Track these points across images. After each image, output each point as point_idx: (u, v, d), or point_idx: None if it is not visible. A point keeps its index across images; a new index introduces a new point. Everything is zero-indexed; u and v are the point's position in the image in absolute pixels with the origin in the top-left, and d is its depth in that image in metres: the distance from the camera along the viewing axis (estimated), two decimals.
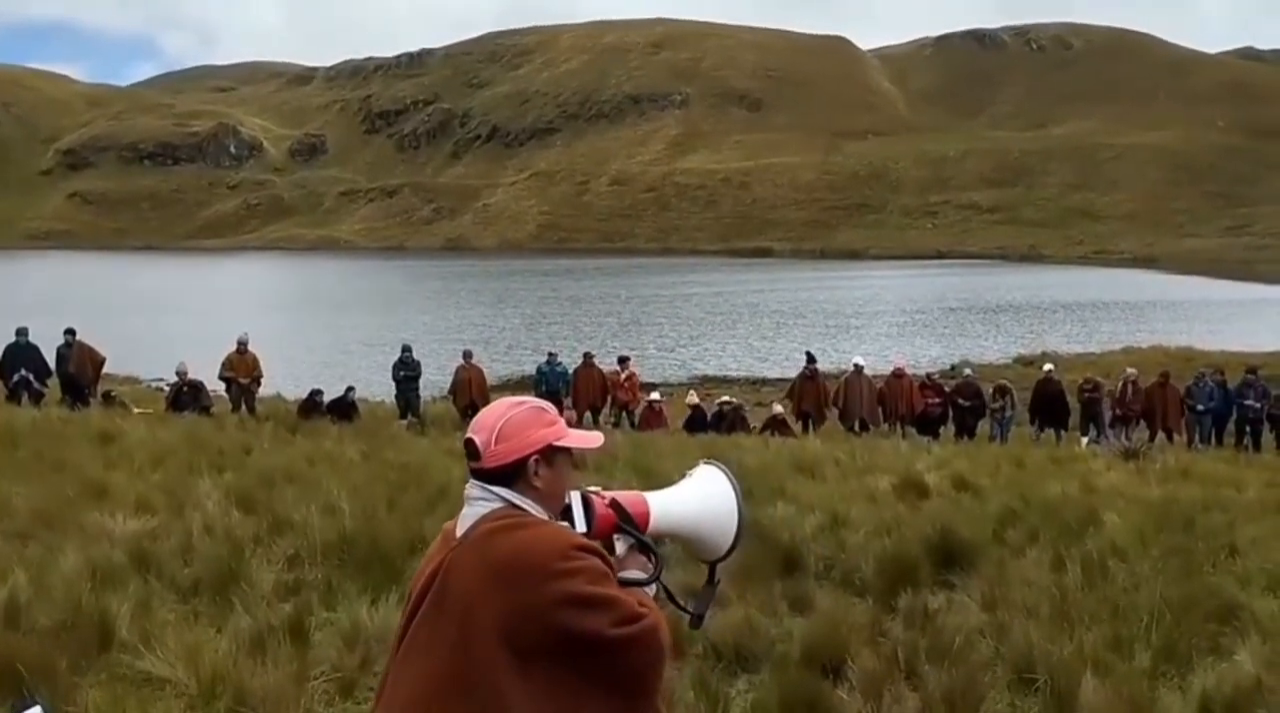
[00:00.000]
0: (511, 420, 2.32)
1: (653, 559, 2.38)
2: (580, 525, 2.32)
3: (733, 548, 2.46)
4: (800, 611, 6.15)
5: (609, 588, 2.20)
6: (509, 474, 2.31)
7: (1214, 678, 5.04)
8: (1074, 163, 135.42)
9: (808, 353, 21.92)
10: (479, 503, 2.31)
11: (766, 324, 48.55)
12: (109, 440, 12.45)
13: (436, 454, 12.70)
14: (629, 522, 2.36)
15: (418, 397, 20.85)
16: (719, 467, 2.50)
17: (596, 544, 2.28)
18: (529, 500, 2.31)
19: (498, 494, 2.30)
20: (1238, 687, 4.90)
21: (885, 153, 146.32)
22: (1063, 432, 20.18)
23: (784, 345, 39.83)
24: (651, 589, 2.38)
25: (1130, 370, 20.96)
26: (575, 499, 2.35)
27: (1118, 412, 19.89)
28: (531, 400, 2.40)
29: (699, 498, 2.45)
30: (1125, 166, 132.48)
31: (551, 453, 2.32)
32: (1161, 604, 5.84)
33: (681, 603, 2.49)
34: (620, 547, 2.39)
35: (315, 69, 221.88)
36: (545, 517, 2.31)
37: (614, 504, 2.36)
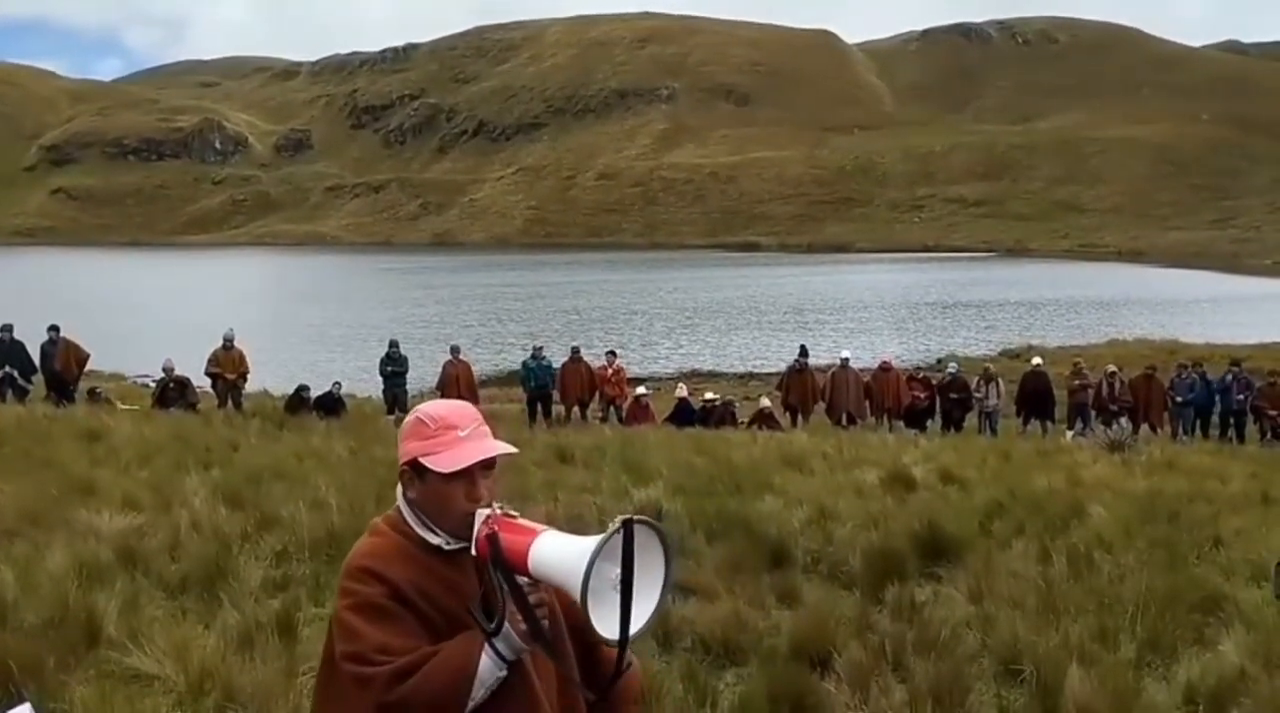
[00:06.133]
0: (403, 427, 2.21)
1: (503, 606, 2.03)
2: (473, 549, 2.11)
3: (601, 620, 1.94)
4: (788, 604, 6.16)
5: (365, 623, 2.07)
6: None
7: (1199, 668, 5.08)
8: (1060, 157, 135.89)
9: (801, 346, 21.94)
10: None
11: (753, 320, 48.56)
12: (95, 438, 12.39)
13: None
14: (497, 560, 2.04)
15: (405, 392, 20.81)
16: (623, 525, 1.95)
17: (387, 571, 2.09)
18: (406, 508, 2.18)
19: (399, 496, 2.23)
20: (1222, 677, 4.94)
21: (872, 147, 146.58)
22: (1049, 424, 20.23)
23: (772, 340, 39.86)
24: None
25: (1110, 367, 20.90)
26: (478, 519, 2.11)
27: (1112, 408, 19.87)
28: (432, 408, 2.19)
29: (575, 548, 1.97)
30: (1111, 160, 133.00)
31: (421, 469, 2.13)
32: (1146, 596, 5.88)
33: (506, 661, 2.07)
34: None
35: (300, 64, 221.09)
36: (417, 528, 2.16)
37: (490, 537, 2.05)
